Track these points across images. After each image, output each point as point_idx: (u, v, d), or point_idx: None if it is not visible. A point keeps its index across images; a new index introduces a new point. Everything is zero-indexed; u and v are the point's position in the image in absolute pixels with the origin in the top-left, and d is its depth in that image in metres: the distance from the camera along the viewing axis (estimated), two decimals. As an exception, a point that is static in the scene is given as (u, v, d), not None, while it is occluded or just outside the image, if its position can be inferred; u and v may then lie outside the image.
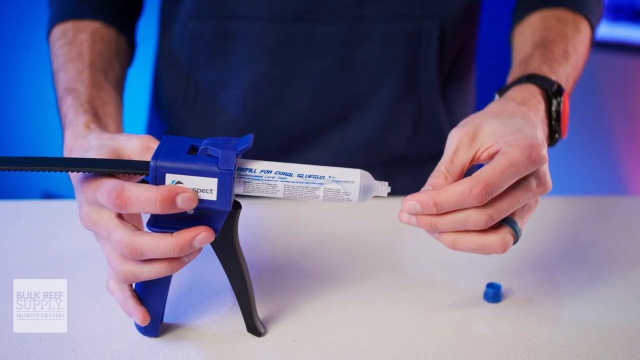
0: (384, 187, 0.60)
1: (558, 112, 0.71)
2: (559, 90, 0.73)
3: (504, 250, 0.60)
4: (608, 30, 1.98)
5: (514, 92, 0.71)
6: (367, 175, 0.60)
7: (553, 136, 0.72)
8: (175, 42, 0.97)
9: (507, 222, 0.61)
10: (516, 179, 0.59)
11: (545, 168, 0.62)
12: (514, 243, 0.61)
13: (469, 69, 1.04)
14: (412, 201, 0.59)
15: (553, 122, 0.71)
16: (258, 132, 0.95)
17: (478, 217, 0.58)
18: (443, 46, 0.94)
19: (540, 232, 0.89)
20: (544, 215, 0.95)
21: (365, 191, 0.59)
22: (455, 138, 0.63)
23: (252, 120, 0.95)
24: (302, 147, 0.97)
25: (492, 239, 0.60)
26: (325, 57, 0.92)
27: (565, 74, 0.78)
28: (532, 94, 0.71)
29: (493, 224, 0.59)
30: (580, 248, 0.86)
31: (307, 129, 0.96)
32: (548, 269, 0.80)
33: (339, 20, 0.90)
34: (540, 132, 0.65)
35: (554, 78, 0.75)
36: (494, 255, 0.82)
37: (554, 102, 0.71)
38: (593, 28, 0.90)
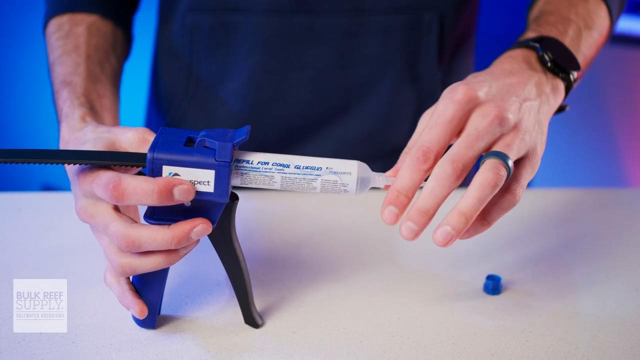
0: (381, 179, 0.60)
1: (550, 57, 0.68)
2: (542, 40, 0.70)
3: (496, 176, 0.56)
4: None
5: (490, 66, 0.69)
6: (365, 166, 0.59)
7: (562, 76, 0.68)
8: (175, 35, 0.97)
9: (486, 155, 0.58)
10: (453, 125, 0.58)
11: (487, 100, 0.59)
12: (508, 171, 0.57)
13: (468, 60, 1.04)
14: (385, 209, 0.57)
15: (549, 65, 0.68)
16: (258, 124, 0.95)
17: (442, 169, 0.56)
18: (443, 38, 0.94)
19: (540, 224, 0.89)
20: (544, 207, 0.95)
21: (362, 183, 0.59)
22: (421, 123, 0.64)
23: (252, 112, 0.95)
24: (303, 139, 0.97)
25: (480, 175, 0.56)
26: (325, 49, 0.92)
27: (559, 31, 0.75)
28: (506, 54, 0.69)
29: (463, 167, 0.56)
30: (580, 240, 0.86)
31: (307, 121, 0.96)
32: (548, 261, 0.80)
33: (338, 12, 0.90)
34: (503, 80, 0.62)
35: (536, 35, 0.72)
36: (493, 248, 0.82)
37: (538, 48, 0.68)
38: (608, 6, 0.85)
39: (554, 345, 0.64)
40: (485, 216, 0.59)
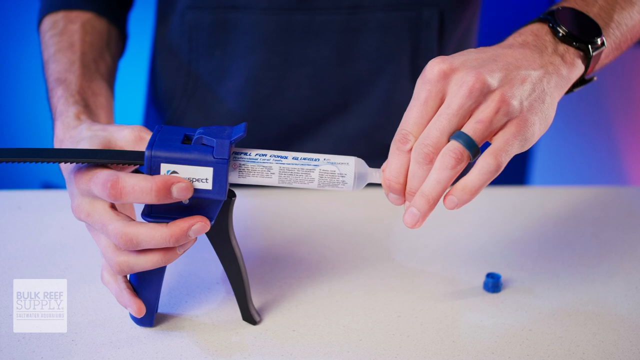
0: (378, 174, 0.60)
1: (563, 27, 0.64)
2: (557, 10, 0.66)
3: (455, 160, 0.55)
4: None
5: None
6: (362, 162, 0.60)
7: (577, 45, 0.64)
8: (174, 33, 0.96)
9: (453, 135, 0.57)
10: (429, 106, 0.57)
11: (464, 67, 0.58)
12: (472, 155, 0.56)
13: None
14: (388, 196, 0.59)
15: (560, 35, 0.64)
16: (258, 122, 0.95)
17: (415, 153, 0.57)
18: (443, 35, 0.94)
19: (540, 222, 0.89)
20: (543, 206, 0.95)
21: (359, 178, 0.59)
22: None
23: (252, 110, 0.95)
24: (302, 136, 0.97)
25: (440, 156, 0.56)
26: (324, 46, 0.92)
27: (585, 1, 0.69)
28: (516, 31, 0.66)
29: (434, 149, 0.56)
30: (580, 238, 0.86)
31: (306, 118, 0.96)
32: (548, 259, 0.80)
33: (338, 9, 0.90)
34: (484, 55, 0.60)
35: (557, 7, 0.68)
36: (494, 246, 0.82)
37: (550, 18, 0.65)
38: None
39: (553, 342, 0.64)
40: (467, 184, 0.57)
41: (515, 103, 0.57)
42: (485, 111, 0.57)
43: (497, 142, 0.57)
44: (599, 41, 0.66)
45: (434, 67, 0.58)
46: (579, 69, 0.65)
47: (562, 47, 0.64)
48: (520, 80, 0.59)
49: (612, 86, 2.03)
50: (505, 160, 0.57)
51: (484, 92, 0.57)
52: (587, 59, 0.65)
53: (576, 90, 0.68)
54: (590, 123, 2.07)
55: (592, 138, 2.09)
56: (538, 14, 0.69)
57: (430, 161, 0.56)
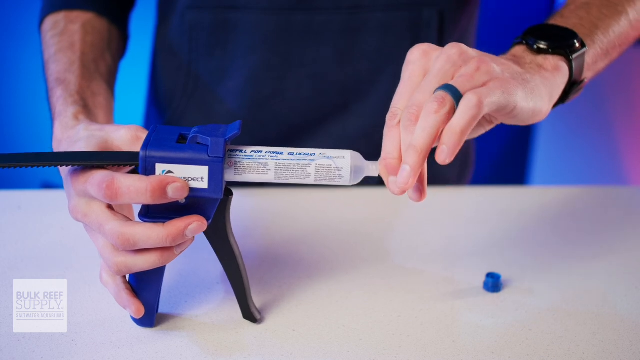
0: (374, 167, 0.60)
1: (536, 40, 0.67)
2: (529, 30, 0.69)
3: (439, 103, 0.55)
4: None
5: None
6: (358, 155, 0.59)
7: (554, 52, 0.66)
8: (174, 33, 0.96)
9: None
10: (413, 82, 0.59)
11: (436, 53, 0.60)
12: (456, 100, 0.55)
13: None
14: (389, 183, 0.57)
15: (535, 47, 0.66)
16: (258, 122, 0.95)
17: (403, 118, 0.56)
18: (442, 35, 0.94)
19: (540, 222, 0.89)
20: (543, 205, 0.95)
21: (356, 171, 0.59)
22: None
23: (252, 110, 0.95)
24: (302, 136, 0.97)
25: (424, 106, 0.55)
26: (324, 46, 0.92)
27: (564, 17, 0.73)
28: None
29: (417, 109, 0.56)
30: (580, 238, 0.86)
31: (306, 118, 0.96)
32: (547, 259, 0.80)
33: (338, 9, 0.90)
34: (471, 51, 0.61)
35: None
36: (494, 246, 0.82)
37: (525, 40, 0.68)
38: None
39: (553, 342, 0.64)
40: (451, 125, 0.55)
41: (496, 68, 0.59)
42: (466, 69, 0.58)
43: (479, 88, 0.57)
44: (576, 43, 0.68)
45: (414, 50, 0.61)
46: (563, 71, 0.67)
47: (540, 58, 0.66)
48: (500, 63, 0.61)
49: (612, 86, 2.03)
50: (485, 100, 0.55)
51: (463, 58, 0.59)
52: (569, 62, 0.67)
53: (572, 97, 0.70)
54: (590, 123, 2.08)
55: (592, 138, 2.09)
56: (536, 13, 0.70)
57: (417, 119, 0.56)
